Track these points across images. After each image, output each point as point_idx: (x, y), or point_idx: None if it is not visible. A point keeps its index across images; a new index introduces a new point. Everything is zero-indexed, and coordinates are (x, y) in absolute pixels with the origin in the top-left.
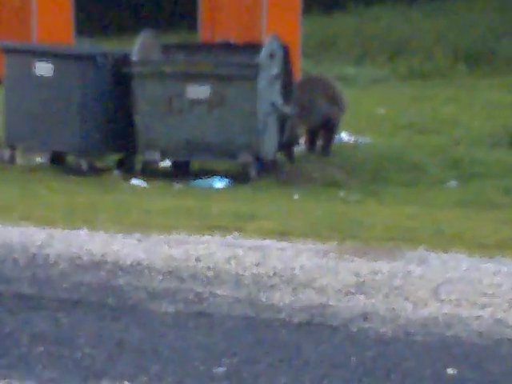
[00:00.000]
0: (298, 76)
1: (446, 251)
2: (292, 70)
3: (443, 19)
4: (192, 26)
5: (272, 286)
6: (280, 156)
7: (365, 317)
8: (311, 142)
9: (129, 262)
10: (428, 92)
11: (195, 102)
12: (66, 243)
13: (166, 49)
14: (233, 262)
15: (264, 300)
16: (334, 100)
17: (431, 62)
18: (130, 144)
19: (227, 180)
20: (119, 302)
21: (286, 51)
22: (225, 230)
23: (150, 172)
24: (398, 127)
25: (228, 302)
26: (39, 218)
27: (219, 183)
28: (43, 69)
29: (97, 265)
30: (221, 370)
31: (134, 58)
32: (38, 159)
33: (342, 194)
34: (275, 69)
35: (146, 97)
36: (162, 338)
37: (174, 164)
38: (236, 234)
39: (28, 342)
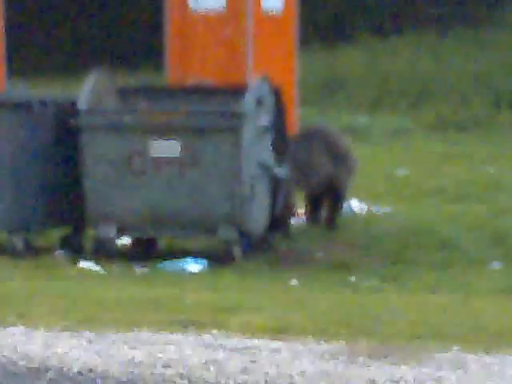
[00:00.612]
0: (294, 128)
1: (488, 352)
2: (286, 120)
3: (481, 54)
4: (158, 63)
5: None
6: (272, 231)
7: None
8: (313, 213)
9: (77, 369)
10: (463, 148)
11: (162, 162)
12: None
13: (125, 94)
14: (212, 367)
15: None
16: (340, 158)
17: (466, 109)
18: (77, 216)
19: (204, 262)
20: None
21: (278, 96)
22: (202, 326)
23: (104, 252)
24: (425, 193)
25: None
26: None
27: (194, 266)
28: None
29: (36, 372)
30: None
31: (83, 105)
32: None
33: (353, 279)
34: (264, 119)
35: (98, 155)
36: None
37: (136, 242)
38: (216, 331)
39: None
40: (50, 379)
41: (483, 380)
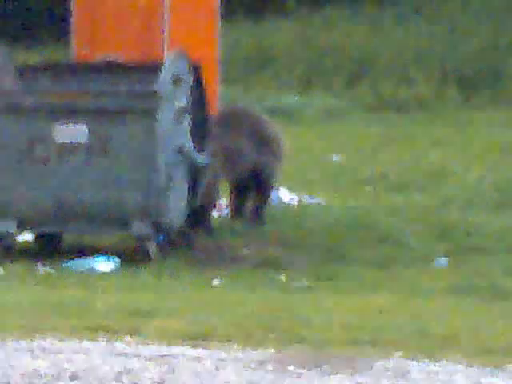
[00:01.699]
0: (216, 109)
1: (433, 359)
2: (207, 100)
3: (425, 27)
4: (62, 38)
5: None
6: (192, 225)
7: None
8: (237, 205)
9: None
10: (405, 131)
11: (67, 148)
12: None
13: (25, 72)
14: (125, 378)
15: None
16: (268, 143)
17: (410, 88)
18: None
19: (116, 260)
20: None
21: (198, 74)
22: (113, 332)
23: (2, 250)
24: (363, 182)
25: None
26: None
27: (104, 265)
28: None
29: None
30: None
31: None
32: None
33: (282, 278)
34: (183, 99)
35: None
36: None
37: (39, 238)
38: (130, 338)
39: None
40: None
41: None
